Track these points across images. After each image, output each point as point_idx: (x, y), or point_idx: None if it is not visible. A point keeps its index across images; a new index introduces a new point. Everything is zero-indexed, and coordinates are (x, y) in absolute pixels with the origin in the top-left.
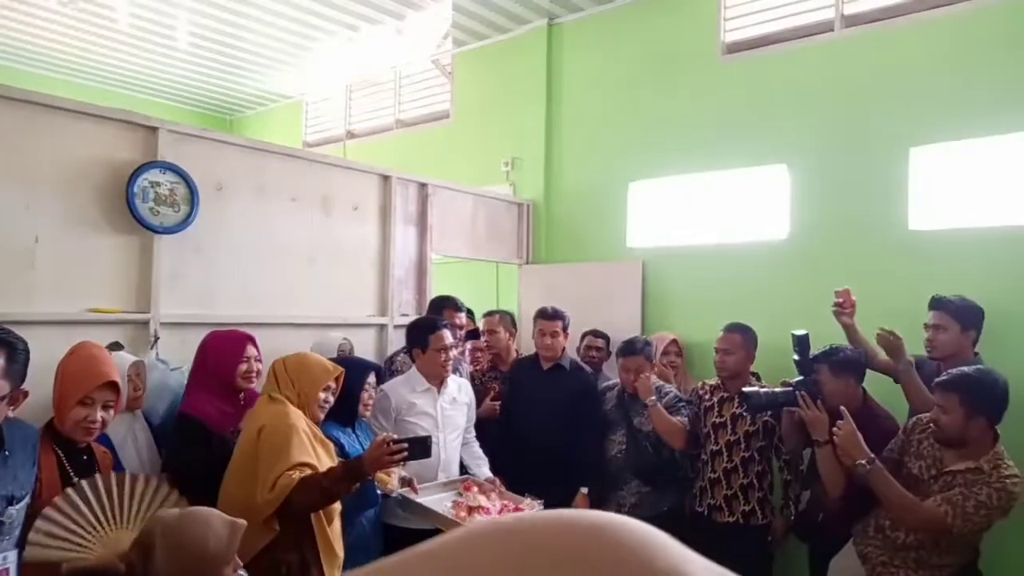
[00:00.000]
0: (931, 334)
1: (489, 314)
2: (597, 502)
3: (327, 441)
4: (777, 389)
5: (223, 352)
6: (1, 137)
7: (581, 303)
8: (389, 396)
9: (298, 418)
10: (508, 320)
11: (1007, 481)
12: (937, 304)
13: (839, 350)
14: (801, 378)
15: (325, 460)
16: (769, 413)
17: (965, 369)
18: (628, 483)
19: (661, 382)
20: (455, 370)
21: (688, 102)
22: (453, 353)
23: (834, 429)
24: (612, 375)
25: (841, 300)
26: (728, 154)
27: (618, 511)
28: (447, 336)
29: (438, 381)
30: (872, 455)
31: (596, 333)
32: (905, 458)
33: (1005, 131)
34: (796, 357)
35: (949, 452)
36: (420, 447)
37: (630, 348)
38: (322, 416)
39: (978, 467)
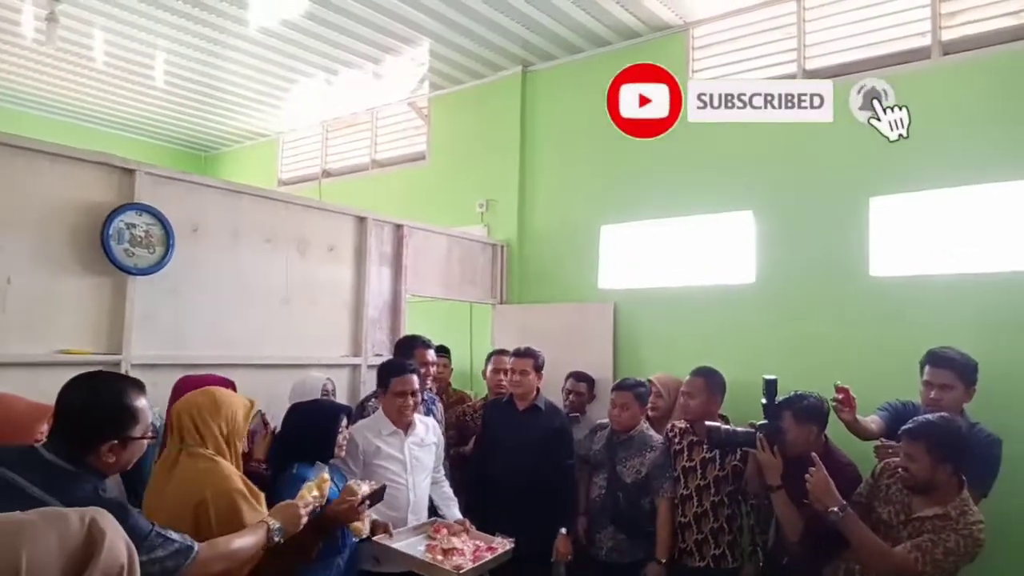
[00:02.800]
0: (936, 393)
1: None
2: (579, 541)
3: (259, 492)
4: (739, 429)
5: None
6: None
7: (554, 343)
8: (355, 439)
9: (232, 475)
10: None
11: (973, 528)
12: (939, 361)
13: (803, 397)
14: (764, 421)
15: (262, 511)
16: (738, 456)
17: (929, 417)
18: (606, 527)
19: (653, 434)
20: (427, 411)
21: (657, 149)
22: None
23: (807, 476)
24: (596, 418)
25: (841, 397)
26: (696, 200)
27: (596, 553)
28: (411, 382)
29: (404, 424)
30: (843, 502)
31: (579, 377)
32: (875, 503)
33: (962, 183)
34: (764, 401)
35: (917, 498)
36: (376, 496)
37: (620, 384)
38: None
39: (945, 513)
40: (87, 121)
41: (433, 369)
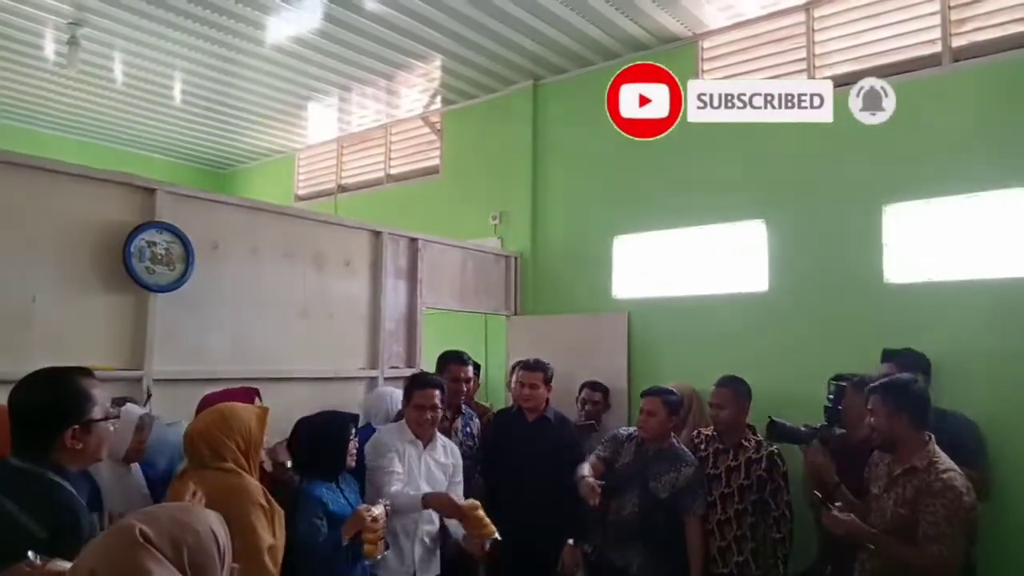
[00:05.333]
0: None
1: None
2: (597, 556)
3: (279, 509)
4: (801, 427)
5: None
6: (2, 199)
7: (568, 353)
8: (384, 440)
9: (256, 491)
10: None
11: (944, 478)
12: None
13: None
14: (824, 423)
15: (279, 535)
16: (763, 467)
17: (897, 374)
18: (635, 545)
19: (686, 450)
20: (465, 425)
21: (668, 159)
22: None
23: (824, 519)
24: (612, 428)
25: None
26: (708, 210)
27: (624, 568)
28: (430, 396)
29: (424, 436)
30: (872, 531)
31: (594, 386)
32: (870, 487)
33: (977, 190)
34: (827, 404)
35: (894, 463)
36: None
37: (649, 389)
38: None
39: (912, 467)
40: (108, 141)
41: (470, 386)
